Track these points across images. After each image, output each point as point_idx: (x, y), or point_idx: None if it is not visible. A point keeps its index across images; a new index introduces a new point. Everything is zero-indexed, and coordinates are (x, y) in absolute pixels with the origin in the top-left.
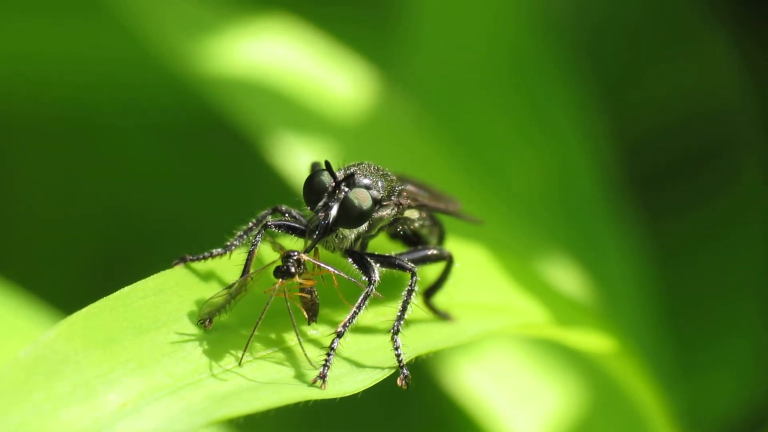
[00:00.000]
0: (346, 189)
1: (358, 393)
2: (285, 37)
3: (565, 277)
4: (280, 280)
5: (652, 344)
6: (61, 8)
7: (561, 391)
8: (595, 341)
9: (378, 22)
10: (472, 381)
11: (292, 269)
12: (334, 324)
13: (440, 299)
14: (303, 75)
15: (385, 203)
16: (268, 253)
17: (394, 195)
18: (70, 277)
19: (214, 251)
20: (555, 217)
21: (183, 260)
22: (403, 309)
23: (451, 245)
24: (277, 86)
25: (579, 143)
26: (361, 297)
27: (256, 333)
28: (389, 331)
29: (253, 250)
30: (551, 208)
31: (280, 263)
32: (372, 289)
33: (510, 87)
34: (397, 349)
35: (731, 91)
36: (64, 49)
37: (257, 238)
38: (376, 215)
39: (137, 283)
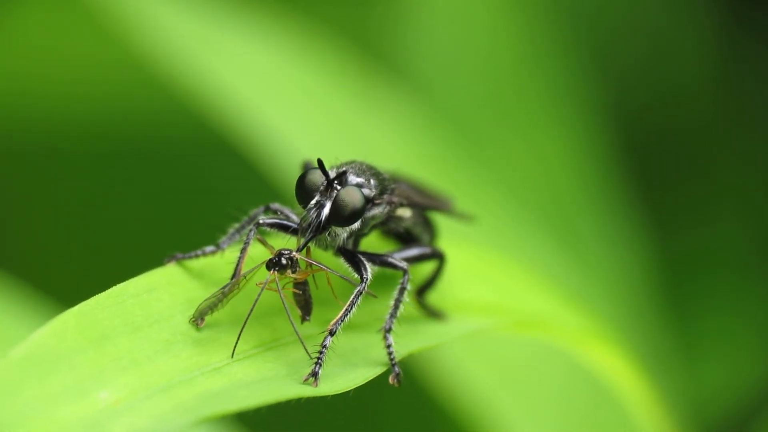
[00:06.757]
0: (339, 187)
1: (349, 390)
2: (272, 34)
3: (557, 272)
4: (272, 272)
5: (650, 343)
6: (59, 22)
7: (553, 389)
8: (589, 338)
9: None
10: (462, 378)
11: (284, 261)
12: (327, 322)
13: (432, 297)
14: (295, 72)
15: (377, 201)
16: (260, 252)
17: (386, 193)
18: (65, 274)
19: (206, 249)
20: (548, 213)
21: (175, 258)
22: (395, 307)
23: (444, 243)
24: (266, 86)
25: (574, 135)
26: (354, 295)
27: (247, 329)
28: (381, 329)
29: (245, 248)
30: (543, 202)
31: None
32: (364, 287)
33: (506, 74)
34: (389, 347)
35: (724, 80)
36: (64, 70)
37: (249, 236)
38: (368, 213)
39: (129, 280)
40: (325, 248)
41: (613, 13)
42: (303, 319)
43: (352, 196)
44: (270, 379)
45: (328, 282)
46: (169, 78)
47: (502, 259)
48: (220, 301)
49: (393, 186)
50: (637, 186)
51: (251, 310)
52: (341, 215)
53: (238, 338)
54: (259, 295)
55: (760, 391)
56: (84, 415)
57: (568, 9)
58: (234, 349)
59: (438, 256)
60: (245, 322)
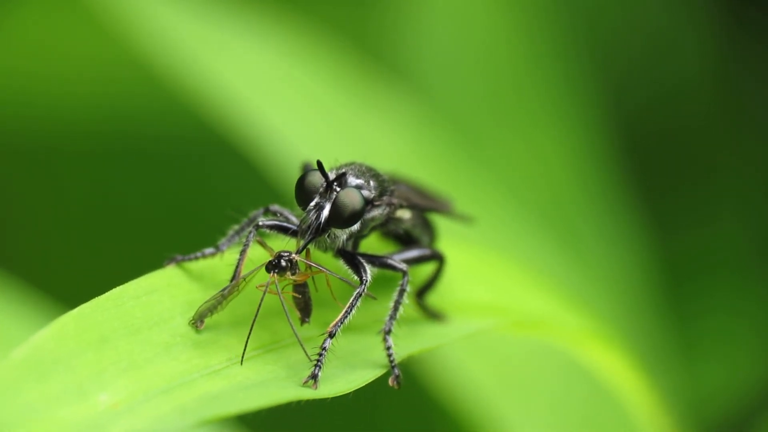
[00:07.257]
0: (338, 189)
1: (349, 393)
2: (273, 36)
3: (557, 272)
4: (272, 274)
5: (650, 343)
6: (59, 22)
7: (554, 389)
8: (589, 338)
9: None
10: (462, 379)
11: (283, 263)
12: (326, 324)
13: (432, 299)
14: (295, 72)
15: (376, 203)
16: (260, 254)
17: (385, 195)
18: (65, 275)
19: (206, 251)
20: (548, 213)
21: (174, 260)
22: (395, 309)
23: (444, 244)
24: (265, 86)
25: (574, 135)
26: (353, 297)
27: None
28: (381, 331)
29: (244, 250)
30: (543, 202)
31: None
32: (364, 289)
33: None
34: (388, 348)
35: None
36: (64, 69)
37: (249, 238)
38: (367, 215)
39: (129, 283)
40: (325, 250)
41: (613, 13)
42: (302, 321)
43: (351, 197)
44: (269, 382)
45: (328, 284)
46: (169, 78)
47: (502, 260)
48: (220, 303)
49: (392, 187)
50: (637, 186)
51: (255, 316)
52: (341, 217)
53: (246, 344)
54: (262, 300)
55: (760, 391)
56: (83, 417)
57: (567, 9)
58: (243, 356)
59: (438, 258)
60: (251, 329)
